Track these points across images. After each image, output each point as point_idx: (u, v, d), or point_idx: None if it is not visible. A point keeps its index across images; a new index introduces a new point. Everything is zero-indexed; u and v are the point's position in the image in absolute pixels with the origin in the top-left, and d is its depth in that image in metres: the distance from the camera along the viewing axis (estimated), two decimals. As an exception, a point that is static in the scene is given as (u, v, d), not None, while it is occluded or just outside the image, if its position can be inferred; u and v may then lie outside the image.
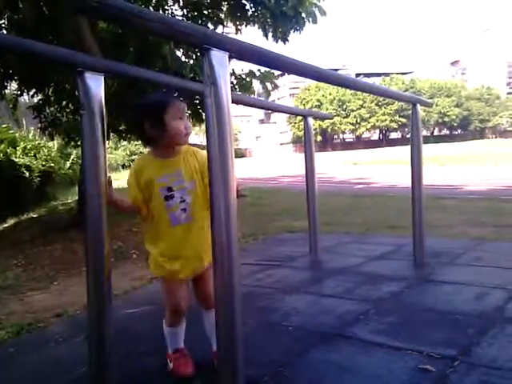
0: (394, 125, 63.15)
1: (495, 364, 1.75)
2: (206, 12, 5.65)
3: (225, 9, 5.76)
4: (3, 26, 5.64)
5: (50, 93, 6.44)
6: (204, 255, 1.73)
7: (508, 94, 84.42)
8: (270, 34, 5.61)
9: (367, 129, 65.07)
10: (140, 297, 3.08)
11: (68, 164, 12.82)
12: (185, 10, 5.79)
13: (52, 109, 6.99)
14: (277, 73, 6.29)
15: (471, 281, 2.89)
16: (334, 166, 20.69)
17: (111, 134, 7.33)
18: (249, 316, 2.33)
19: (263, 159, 44.05)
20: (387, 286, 2.87)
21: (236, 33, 6.02)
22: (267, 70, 5.96)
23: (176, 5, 5.91)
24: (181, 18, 5.76)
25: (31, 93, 6.46)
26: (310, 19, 5.43)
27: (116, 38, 5.41)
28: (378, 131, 69.80)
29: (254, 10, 5.58)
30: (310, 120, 3.82)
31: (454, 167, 16.28)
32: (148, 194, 1.71)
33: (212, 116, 1.38)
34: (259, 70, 6.26)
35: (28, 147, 10.86)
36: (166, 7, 5.84)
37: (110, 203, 1.64)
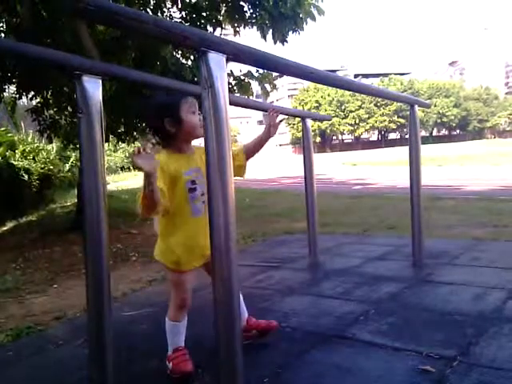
0: (393, 125, 63.26)
1: (494, 364, 1.75)
2: (204, 14, 5.64)
3: (223, 11, 5.76)
4: (1, 29, 5.65)
5: (48, 95, 6.44)
6: None
7: (506, 94, 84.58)
8: (268, 36, 5.61)
9: (366, 129, 65.16)
10: (139, 299, 3.08)
11: (67, 167, 12.82)
12: (183, 13, 5.79)
13: (51, 111, 6.99)
14: (275, 74, 6.30)
15: (470, 281, 2.89)
16: (332, 167, 20.72)
17: (110, 136, 7.33)
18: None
19: (262, 160, 44.02)
20: (386, 287, 2.88)
21: (234, 35, 6.02)
22: (265, 71, 5.96)
23: (174, 7, 5.91)
24: (179, 20, 5.76)
25: (30, 96, 6.45)
26: (309, 19, 5.43)
27: (115, 40, 5.41)
28: (376, 132, 69.92)
29: (252, 11, 5.59)
30: (309, 121, 3.82)
31: (452, 167, 16.30)
32: (172, 187, 1.76)
33: (210, 118, 1.38)
34: (257, 71, 6.27)
35: (27, 150, 10.86)
36: (165, 10, 5.85)
37: (149, 184, 1.57)
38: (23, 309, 3.10)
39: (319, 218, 3.86)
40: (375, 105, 61.56)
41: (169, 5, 5.91)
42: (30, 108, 6.99)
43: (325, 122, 57.01)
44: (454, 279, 2.96)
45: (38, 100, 6.76)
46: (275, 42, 5.68)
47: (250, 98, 6.36)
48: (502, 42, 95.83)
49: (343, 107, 62.75)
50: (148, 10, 5.52)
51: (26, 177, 9.78)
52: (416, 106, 3.44)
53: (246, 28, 5.94)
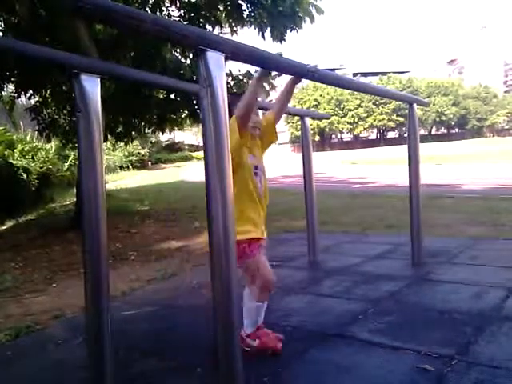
0: (392, 124, 63.16)
1: (493, 363, 1.76)
2: (203, 13, 5.63)
3: (222, 9, 5.75)
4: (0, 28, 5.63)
5: (47, 94, 6.42)
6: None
7: (505, 92, 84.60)
8: (267, 34, 5.60)
9: (365, 128, 65.05)
10: (138, 298, 3.08)
11: (66, 166, 12.78)
12: (182, 11, 5.77)
13: (49, 110, 6.97)
14: (274, 73, 6.28)
15: (469, 279, 2.90)
16: (332, 166, 20.69)
17: (109, 136, 7.32)
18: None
19: (261, 159, 43.84)
20: (386, 286, 2.88)
21: (232, 34, 6.00)
22: (264, 70, 5.93)
23: (173, 6, 5.89)
24: (178, 19, 5.74)
25: (28, 94, 6.43)
26: (307, 18, 5.41)
27: (113, 39, 5.40)
28: (375, 130, 69.85)
29: (250, 10, 5.57)
30: (308, 120, 3.82)
31: (451, 166, 16.30)
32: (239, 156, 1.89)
33: (208, 117, 1.38)
34: (256, 71, 6.24)
35: (26, 149, 10.83)
36: (163, 8, 5.83)
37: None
38: (22, 308, 3.09)
39: (319, 216, 3.86)
40: (374, 103, 61.44)
41: (167, 3, 5.89)
42: (29, 107, 6.97)
43: (324, 121, 56.89)
44: (453, 278, 2.96)
45: (37, 99, 6.74)
46: (273, 41, 5.67)
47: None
48: (500, 41, 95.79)
49: (342, 106, 62.62)
50: (147, 8, 5.50)
51: (25, 176, 9.75)
52: (415, 105, 3.45)
53: (244, 27, 5.93)
